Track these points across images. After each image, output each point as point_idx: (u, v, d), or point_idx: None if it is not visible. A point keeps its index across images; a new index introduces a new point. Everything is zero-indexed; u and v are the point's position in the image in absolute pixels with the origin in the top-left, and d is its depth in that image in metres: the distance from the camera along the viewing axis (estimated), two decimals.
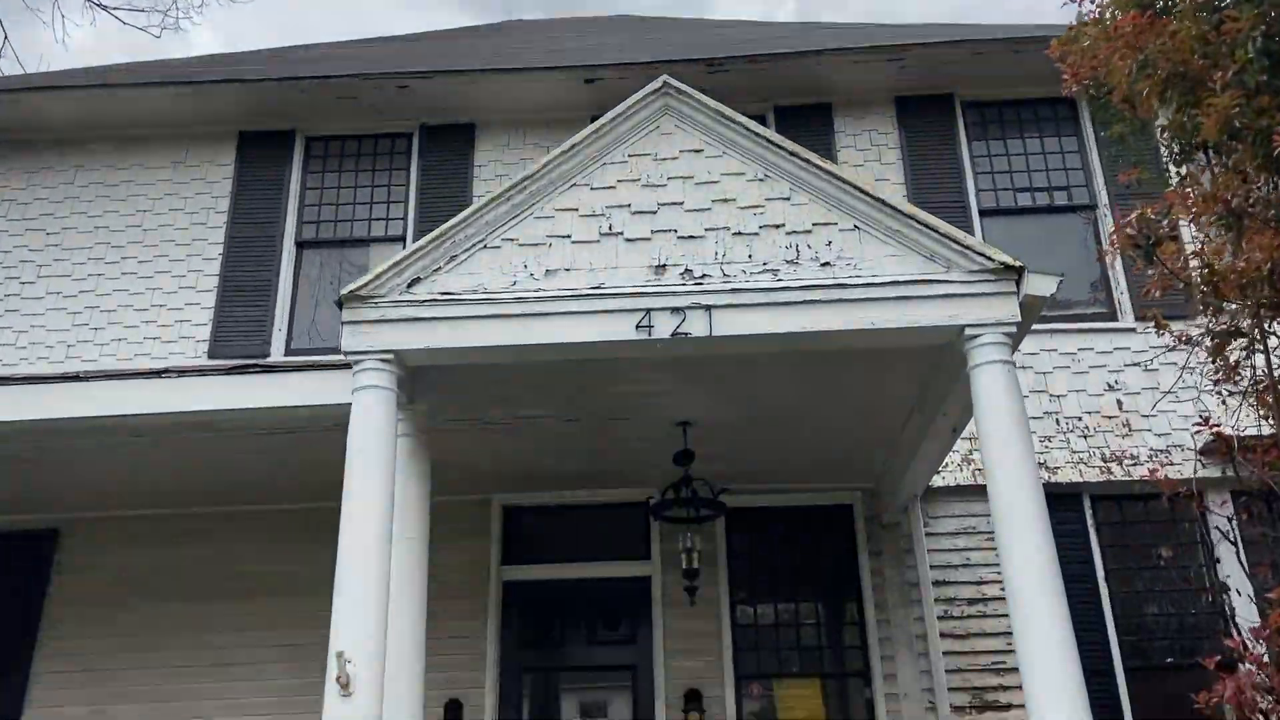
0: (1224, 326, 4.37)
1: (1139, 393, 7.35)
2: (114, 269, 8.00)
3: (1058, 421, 7.29)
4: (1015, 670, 6.61)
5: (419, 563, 4.96)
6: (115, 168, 8.35)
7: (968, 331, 4.50)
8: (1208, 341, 5.27)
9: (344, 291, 4.57)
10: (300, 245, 8.12)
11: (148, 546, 7.18)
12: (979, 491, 7.05)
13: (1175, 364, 7.16)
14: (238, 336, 7.57)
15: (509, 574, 7.21)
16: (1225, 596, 5.24)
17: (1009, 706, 6.56)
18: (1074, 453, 7.16)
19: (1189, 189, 4.67)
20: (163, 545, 7.18)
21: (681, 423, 6.09)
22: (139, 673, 6.84)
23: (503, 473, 6.98)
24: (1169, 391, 7.12)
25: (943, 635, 6.75)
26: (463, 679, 6.82)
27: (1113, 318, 7.65)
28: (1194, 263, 4.48)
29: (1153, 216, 4.12)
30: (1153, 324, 6.11)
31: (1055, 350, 7.49)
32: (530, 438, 6.32)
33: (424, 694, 4.85)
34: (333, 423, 4.82)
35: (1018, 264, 4.51)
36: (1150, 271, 4.30)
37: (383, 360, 4.55)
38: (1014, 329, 4.50)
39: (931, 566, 6.93)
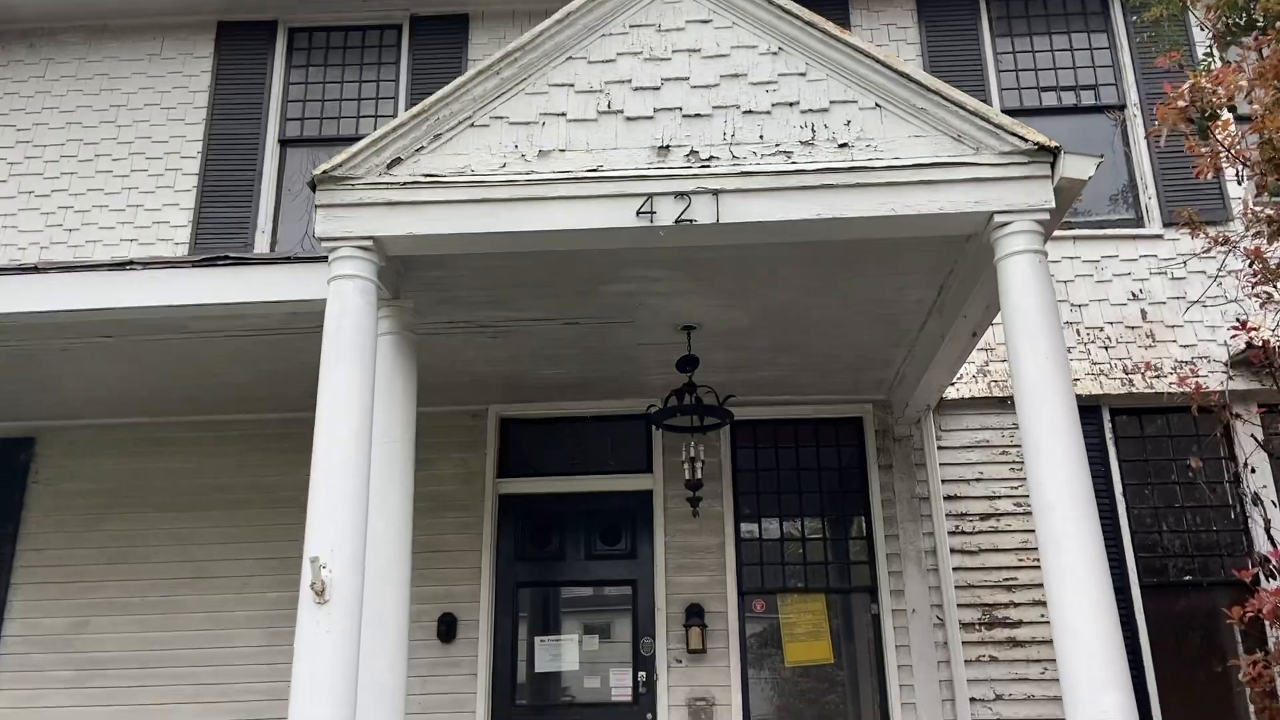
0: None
1: (1164, 303, 7.00)
2: (88, 167, 7.60)
3: (1078, 332, 6.95)
4: (1027, 587, 6.45)
5: (404, 467, 4.67)
6: (87, 61, 7.88)
7: (996, 219, 4.13)
8: (1248, 240, 4.92)
9: (317, 171, 4.19)
10: (284, 144, 7.69)
11: (129, 456, 6.93)
12: (995, 404, 6.79)
13: (1204, 273, 6.86)
14: (218, 239, 7.19)
15: (505, 487, 6.96)
16: (1258, 507, 4.97)
17: (1019, 623, 6.35)
18: (1094, 364, 6.83)
19: (1242, 64, 4.27)
20: (144, 455, 6.93)
21: (686, 327, 5.75)
22: (121, 584, 6.63)
23: (499, 383, 6.68)
24: (1197, 301, 6.82)
25: (953, 551, 6.51)
26: (457, 593, 6.62)
27: (1139, 224, 7.27)
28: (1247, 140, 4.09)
29: (1207, 85, 3.71)
30: (1185, 228, 5.77)
31: (1077, 258, 7.12)
32: (526, 344, 5.99)
33: (410, 604, 4.61)
34: (314, 325, 4.47)
35: (1053, 145, 4.12)
36: (1203, 149, 3.92)
37: (360, 248, 4.19)
38: (1047, 216, 4.12)
39: (943, 481, 6.66)
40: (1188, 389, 5.26)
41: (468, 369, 6.37)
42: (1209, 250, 5.76)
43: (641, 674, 6.50)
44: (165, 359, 5.91)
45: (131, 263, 4.79)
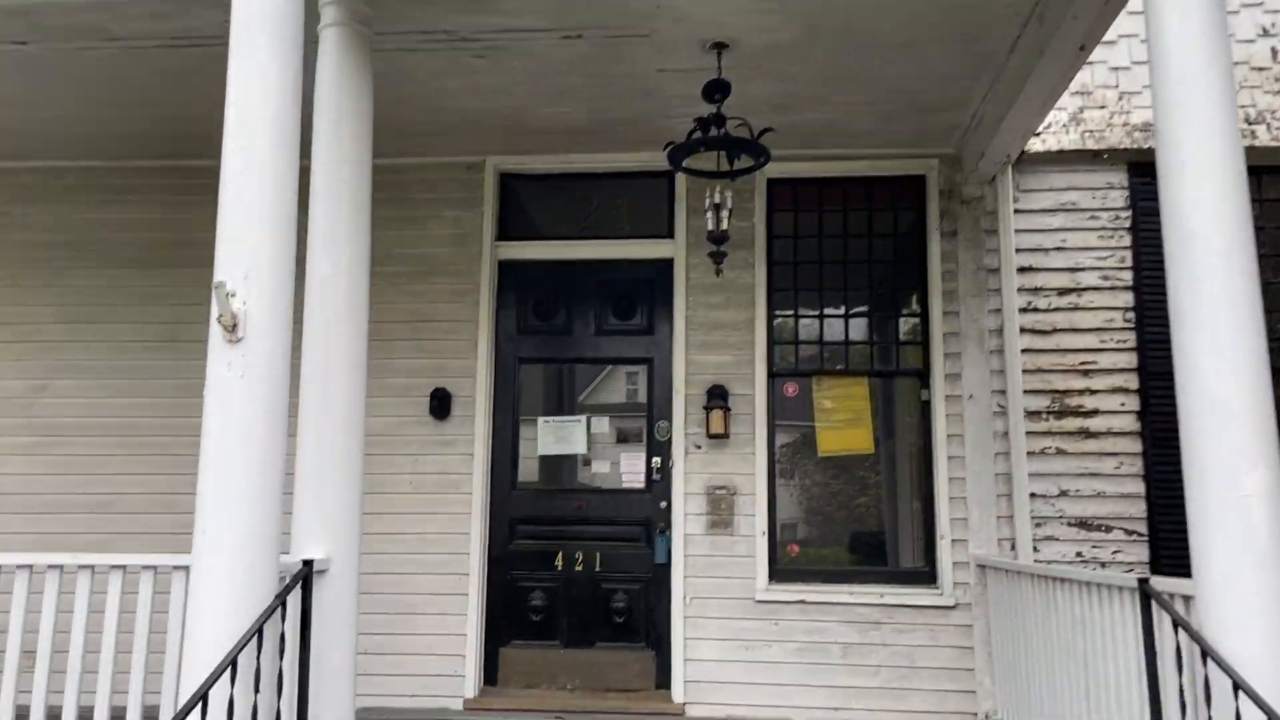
0: None
1: None
2: None
3: None
4: (1106, 372, 5.55)
5: (356, 195, 3.78)
6: None
7: None
8: None
9: None
10: None
11: (86, 205, 6.18)
12: (1087, 158, 5.75)
13: None
14: None
15: (506, 252, 6.09)
16: None
17: (1094, 412, 5.52)
18: None
19: None
20: (104, 204, 6.18)
21: (716, 44, 4.68)
22: (83, 345, 6.00)
23: (495, 126, 5.70)
24: None
25: (1023, 331, 5.61)
26: (452, 367, 5.90)
27: None
28: None
29: None
30: None
31: None
32: (522, 70, 4.97)
33: (369, 368, 3.81)
34: None
35: None
36: None
37: None
38: None
39: (1017, 250, 5.68)
40: None
41: (456, 105, 5.39)
42: None
43: (656, 460, 5.82)
44: (99, 79, 5.03)
45: None
